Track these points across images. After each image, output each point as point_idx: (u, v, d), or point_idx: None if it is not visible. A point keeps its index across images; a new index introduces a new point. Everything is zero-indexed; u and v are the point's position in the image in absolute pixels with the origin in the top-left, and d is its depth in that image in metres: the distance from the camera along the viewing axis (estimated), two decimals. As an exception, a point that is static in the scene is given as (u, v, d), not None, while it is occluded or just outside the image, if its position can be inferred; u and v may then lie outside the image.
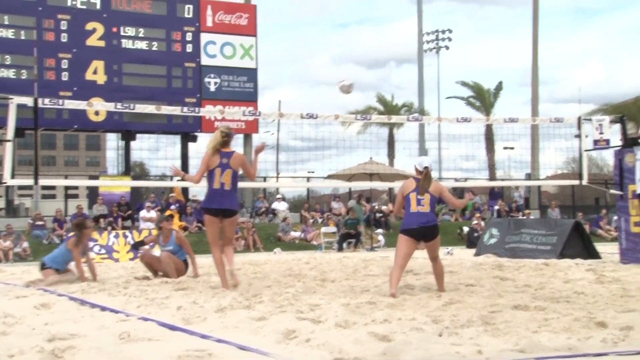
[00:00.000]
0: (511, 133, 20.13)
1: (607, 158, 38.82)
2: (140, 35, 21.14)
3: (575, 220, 14.21)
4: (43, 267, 9.04)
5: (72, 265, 9.16)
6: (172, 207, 20.15)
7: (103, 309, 6.11)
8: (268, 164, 37.50)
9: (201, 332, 4.72)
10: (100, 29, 20.63)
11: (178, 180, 17.85)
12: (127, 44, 20.98)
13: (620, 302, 6.05)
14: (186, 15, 21.78)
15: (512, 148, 34.76)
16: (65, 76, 20.16)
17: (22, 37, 19.84)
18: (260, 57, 23.36)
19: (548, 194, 38.10)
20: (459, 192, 21.42)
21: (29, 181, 10.35)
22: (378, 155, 33.16)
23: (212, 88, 22.03)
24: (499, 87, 36.96)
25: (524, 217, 21.47)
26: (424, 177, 7.11)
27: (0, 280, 9.97)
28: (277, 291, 7.12)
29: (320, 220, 22.14)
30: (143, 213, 19.65)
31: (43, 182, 11.11)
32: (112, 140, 26.70)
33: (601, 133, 11.45)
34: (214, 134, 7.81)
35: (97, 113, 20.27)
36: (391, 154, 36.48)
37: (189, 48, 21.72)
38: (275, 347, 4.23)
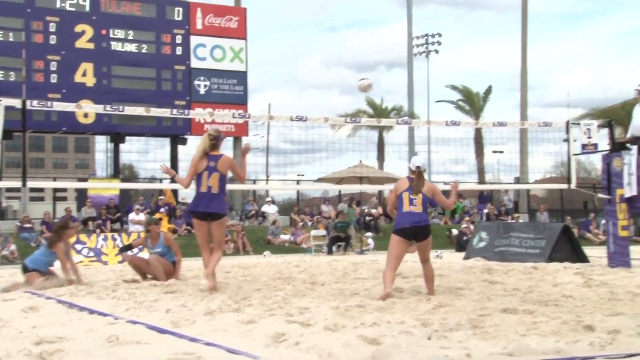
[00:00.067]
0: (500, 137, 20.30)
1: (595, 162, 39.10)
2: (130, 37, 21.08)
3: (564, 224, 14.28)
4: (25, 270, 8.92)
5: (57, 267, 9.10)
6: (162, 209, 20.09)
7: (91, 312, 6.08)
8: (258, 167, 37.49)
9: (190, 335, 4.70)
10: (89, 31, 20.55)
11: (169, 182, 17.86)
12: (116, 46, 20.91)
13: (608, 306, 6.09)
14: (176, 18, 21.73)
15: (501, 152, 34.95)
16: (54, 78, 20.07)
17: (11, 39, 19.73)
18: (250, 60, 23.37)
19: (537, 198, 38.32)
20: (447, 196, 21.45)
21: (17, 183, 10.28)
22: (368, 158, 33.28)
23: (202, 91, 21.99)
24: (489, 91, 37.21)
25: (513, 221, 21.56)
26: (416, 177, 7.15)
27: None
28: (267, 294, 7.11)
29: (310, 224, 22.14)
30: (132, 216, 19.58)
31: (31, 184, 11.03)
32: (101, 143, 26.60)
33: (589, 137, 11.52)
34: (202, 137, 7.79)
35: (86, 115, 20.18)
36: (381, 157, 36.60)
37: (179, 51, 21.68)
38: (264, 350, 4.23)
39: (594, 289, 7.54)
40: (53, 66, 20.07)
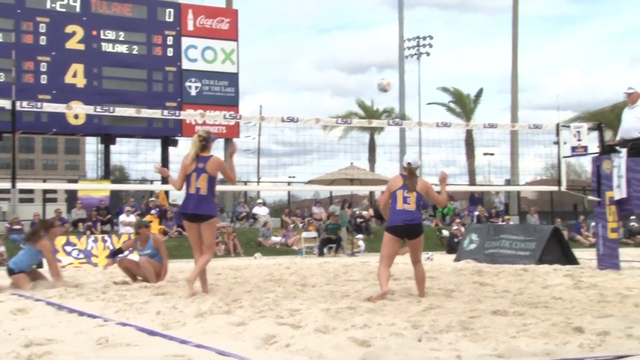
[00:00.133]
0: (491, 139, 20.39)
1: (585, 165, 39.22)
2: (121, 38, 21.01)
3: (554, 226, 14.34)
4: (11, 272, 8.75)
5: (44, 268, 9.05)
6: (153, 211, 20.04)
7: (81, 314, 6.05)
8: (249, 168, 37.45)
9: (180, 337, 4.69)
10: (80, 32, 20.47)
11: (160, 184, 17.83)
12: (107, 47, 20.83)
13: (597, 308, 6.12)
14: (167, 19, 21.68)
15: (492, 154, 35.04)
16: (44, 79, 19.98)
17: (0, 40, 19.63)
18: (242, 61, 23.31)
19: (527, 200, 38.44)
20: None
21: (7, 184, 10.24)
22: (359, 159, 33.29)
23: (193, 92, 21.95)
24: (479, 93, 37.34)
25: (504, 223, 21.63)
26: (408, 174, 7.17)
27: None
28: (257, 296, 7.10)
29: (300, 225, 22.13)
30: (122, 217, 19.52)
31: (21, 185, 10.99)
32: (92, 144, 26.50)
33: (579, 140, 11.57)
34: (192, 139, 7.77)
35: (76, 116, 20.10)
36: (372, 159, 36.66)
37: (170, 52, 21.63)
38: (254, 352, 4.22)
39: (583, 291, 7.58)
40: (43, 67, 19.98)
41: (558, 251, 12.86)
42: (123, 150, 22.97)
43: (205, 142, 7.63)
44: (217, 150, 18.87)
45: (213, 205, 7.73)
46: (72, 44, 20.34)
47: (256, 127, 38.68)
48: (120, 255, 10.33)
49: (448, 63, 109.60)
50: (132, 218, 19.03)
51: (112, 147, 22.15)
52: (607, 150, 11.52)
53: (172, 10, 21.73)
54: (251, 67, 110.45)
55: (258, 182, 32.71)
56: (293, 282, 9.00)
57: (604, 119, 25.98)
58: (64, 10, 20.28)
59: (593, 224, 14.66)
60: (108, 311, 6.15)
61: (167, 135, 22.03)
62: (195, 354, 4.12)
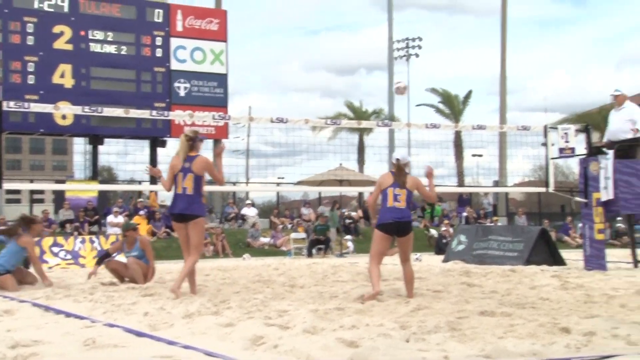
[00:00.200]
0: (480, 140, 20.42)
1: (573, 166, 39.46)
2: (109, 39, 20.91)
3: (542, 228, 14.42)
4: None
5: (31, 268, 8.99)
6: (141, 212, 19.96)
7: (68, 315, 6.02)
8: (239, 169, 37.33)
9: (168, 338, 4.68)
10: (68, 32, 20.35)
11: (149, 184, 17.76)
12: (95, 47, 20.72)
13: (584, 308, 6.16)
14: (156, 20, 21.60)
15: (480, 155, 35.20)
16: (31, 79, 19.84)
17: (-12, 39, 19.49)
18: (231, 62, 23.29)
19: (515, 201, 38.63)
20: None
21: (-7, 185, 10.13)
22: (348, 160, 33.28)
23: (182, 93, 21.88)
24: (468, 95, 37.49)
25: (492, 224, 21.71)
26: (396, 170, 7.20)
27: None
28: (246, 297, 7.10)
29: (289, 226, 22.12)
30: (110, 218, 19.43)
31: (7, 186, 10.90)
32: (80, 145, 26.27)
33: (567, 141, 11.65)
34: (180, 138, 7.74)
35: (64, 117, 19.97)
36: (361, 160, 36.73)
37: (159, 52, 21.55)
38: (242, 353, 4.22)
39: (570, 292, 7.63)
40: (30, 67, 19.84)
41: (545, 252, 12.93)
42: (111, 151, 22.88)
43: (192, 142, 7.60)
44: (206, 150, 18.79)
45: (201, 205, 7.69)
46: (60, 44, 20.22)
47: (245, 127, 38.63)
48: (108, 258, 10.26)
49: (437, 64, 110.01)
50: (120, 219, 18.96)
51: (100, 148, 22.03)
52: (594, 151, 11.61)
53: (161, 11, 21.65)
54: (240, 68, 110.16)
55: (247, 182, 32.65)
56: (282, 283, 9.00)
57: (591, 121, 26.19)
58: (51, 10, 20.15)
59: (580, 225, 14.72)
60: (95, 312, 6.12)
61: (156, 136, 21.94)
62: (183, 355, 4.11)
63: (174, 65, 21.75)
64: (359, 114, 36.86)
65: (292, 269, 12.15)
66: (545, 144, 12.11)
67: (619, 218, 20.20)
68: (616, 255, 13.50)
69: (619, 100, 11.79)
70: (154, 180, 16.93)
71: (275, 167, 62.52)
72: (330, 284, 8.92)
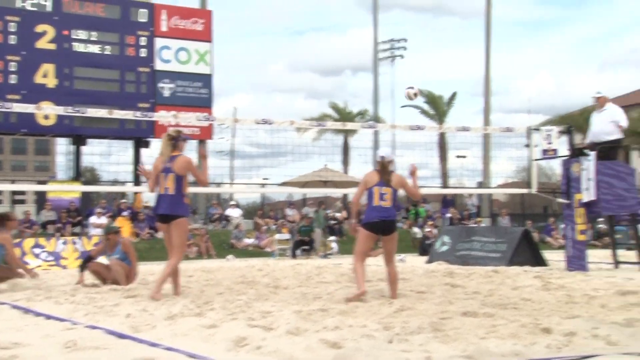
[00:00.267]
0: (464, 142, 20.55)
1: (555, 167, 39.72)
2: (93, 38, 20.77)
3: (525, 229, 14.51)
4: None
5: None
6: (124, 213, 19.85)
7: (48, 317, 5.97)
8: (224, 169, 37.25)
9: (150, 340, 4.66)
10: (51, 32, 20.19)
11: (133, 185, 17.64)
12: (78, 47, 20.56)
13: (565, 309, 6.21)
14: (140, 20, 21.48)
15: (464, 156, 35.38)
16: (13, 79, 19.65)
17: (-31, 38, 19.28)
18: (216, 63, 23.22)
19: (499, 202, 38.81)
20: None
21: (-26, 186, 10.05)
22: (333, 161, 33.34)
23: (166, 93, 21.78)
24: (453, 96, 37.70)
25: (476, 225, 21.81)
26: (380, 167, 7.23)
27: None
28: (229, 298, 7.08)
29: (274, 227, 22.09)
30: (93, 219, 19.29)
31: (-12, 187, 10.81)
32: (62, 145, 26.05)
33: (549, 143, 11.74)
34: (162, 138, 7.70)
35: (46, 117, 19.81)
36: (346, 161, 36.81)
37: (143, 53, 21.43)
38: (225, 354, 4.21)
39: (552, 292, 7.69)
40: (12, 67, 19.65)
41: (528, 253, 13.02)
42: (94, 152, 22.74)
43: (174, 141, 7.55)
44: (191, 151, 18.72)
45: (183, 205, 7.56)
46: (43, 44, 20.04)
47: (230, 128, 38.52)
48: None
49: (422, 66, 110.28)
50: (103, 220, 18.83)
51: (83, 148, 21.88)
52: (577, 153, 11.70)
53: (145, 11, 21.54)
54: (225, 68, 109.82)
55: (231, 183, 32.56)
56: (265, 284, 8.99)
57: (574, 123, 26.31)
58: (34, 9, 19.98)
59: (562, 226, 14.84)
60: (77, 314, 6.07)
61: (140, 136, 21.81)
62: (165, 357, 4.10)
63: (159, 65, 21.64)
64: (344, 115, 36.94)
65: (276, 270, 12.13)
66: (528, 146, 12.19)
67: (600, 219, 20.37)
68: (597, 256, 13.63)
69: (600, 102, 11.91)
70: (137, 181, 16.85)
71: (259, 168, 62.59)
72: (314, 285, 8.92)
